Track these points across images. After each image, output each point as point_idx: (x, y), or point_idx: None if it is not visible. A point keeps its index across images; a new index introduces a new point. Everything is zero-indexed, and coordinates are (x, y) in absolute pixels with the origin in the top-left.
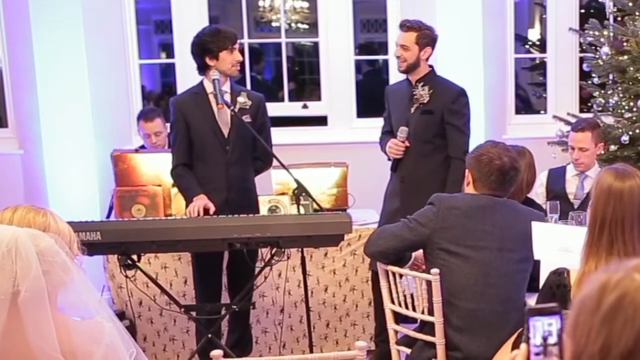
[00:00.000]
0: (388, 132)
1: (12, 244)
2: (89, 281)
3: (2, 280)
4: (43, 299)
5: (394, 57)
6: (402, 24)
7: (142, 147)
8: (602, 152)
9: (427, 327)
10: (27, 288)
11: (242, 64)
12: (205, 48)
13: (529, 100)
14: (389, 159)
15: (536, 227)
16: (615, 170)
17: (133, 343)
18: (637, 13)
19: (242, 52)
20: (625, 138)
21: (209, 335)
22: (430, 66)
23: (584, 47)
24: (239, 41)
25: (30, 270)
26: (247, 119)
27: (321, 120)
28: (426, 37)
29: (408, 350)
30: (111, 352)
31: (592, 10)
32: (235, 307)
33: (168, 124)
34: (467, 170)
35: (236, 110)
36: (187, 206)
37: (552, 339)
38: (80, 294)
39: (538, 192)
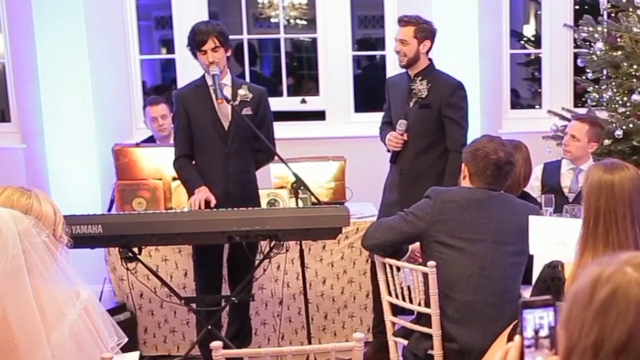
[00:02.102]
0: (388, 123)
1: None
2: (70, 263)
3: None
4: (22, 276)
5: (392, 53)
6: (399, 20)
7: (150, 138)
8: (595, 150)
9: (423, 319)
10: (7, 265)
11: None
12: (190, 45)
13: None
14: (388, 151)
15: (533, 221)
16: (604, 165)
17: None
18: (630, 9)
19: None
20: (619, 132)
21: (209, 327)
22: (430, 59)
23: (579, 43)
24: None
25: (10, 249)
26: (247, 111)
27: (319, 115)
28: (424, 31)
29: (405, 342)
30: (85, 316)
31: (586, 7)
32: (234, 299)
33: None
34: (463, 165)
35: (237, 103)
36: (189, 198)
37: (544, 332)
38: (59, 274)
39: (533, 186)
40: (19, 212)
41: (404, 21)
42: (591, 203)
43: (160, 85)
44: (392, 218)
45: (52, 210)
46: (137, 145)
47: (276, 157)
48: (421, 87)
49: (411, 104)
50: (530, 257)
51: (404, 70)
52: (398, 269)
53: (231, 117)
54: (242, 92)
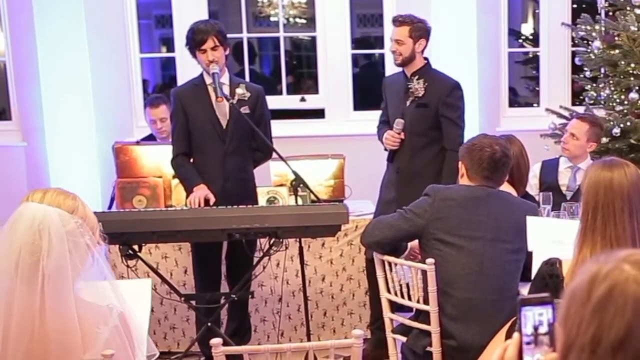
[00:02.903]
0: (385, 122)
1: (44, 222)
2: (108, 267)
3: (31, 256)
4: (67, 277)
5: (390, 52)
6: (394, 20)
7: (150, 135)
8: (594, 150)
9: (422, 316)
10: (52, 265)
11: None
12: (189, 45)
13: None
14: (386, 150)
15: (531, 221)
16: (603, 162)
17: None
18: (628, 8)
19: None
20: (616, 130)
21: (209, 324)
22: (426, 59)
23: (576, 42)
24: (209, 38)
25: (57, 248)
26: (245, 110)
27: (319, 113)
28: (419, 30)
29: (404, 339)
30: (116, 335)
31: (584, 5)
32: (234, 296)
33: None
34: (460, 163)
35: (235, 101)
36: (187, 196)
37: (543, 329)
38: (97, 278)
39: (531, 184)
40: (66, 212)
41: (398, 21)
42: (589, 197)
43: (164, 84)
44: (391, 216)
45: (92, 214)
46: (138, 143)
47: (275, 155)
48: (418, 86)
49: (408, 103)
50: (529, 254)
51: (400, 69)
52: (396, 265)
53: (229, 116)
54: (240, 91)
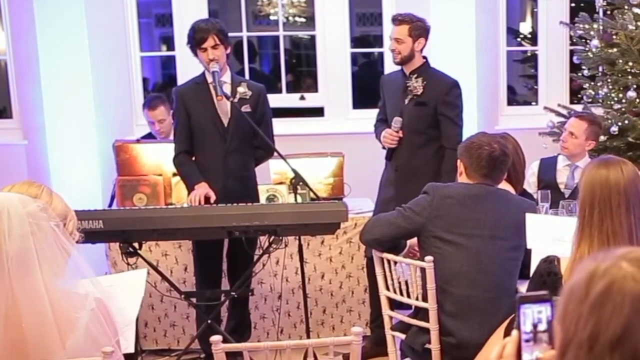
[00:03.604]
0: (383, 121)
1: (2, 205)
2: (82, 258)
3: None
4: (32, 260)
5: (389, 51)
6: (393, 18)
7: (150, 134)
8: (592, 148)
9: (421, 313)
10: (14, 246)
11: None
12: (190, 43)
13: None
14: (384, 148)
15: (530, 218)
16: (599, 160)
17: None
18: (625, 7)
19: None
20: (614, 129)
21: (209, 321)
22: (424, 58)
23: (575, 40)
24: (211, 36)
25: (17, 230)
26: (246, 109)
27: (318, 112)
28: (418, 29)
29: (403, 336)
30: (95, 319)
31: (582, 4)
32: (234, 293)
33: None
34: (459, 161)
35: (236, 100)
36: (189, 194)
37: (542, 326)
38: (71, 266)
39: (530, 182)
40: (28, 197)
41: (398, 20)
42: (586, 194)
43: (165, 83)
44: (390, 213)
45: (62, 204)
46: (138, 141)
47: (275, 153)
48: (417, 84)
49: (407, 101)
50: (528, 252)
51: (399, 67)
52: (395, 263)
53: (230, 114)
54: (241, 89)
